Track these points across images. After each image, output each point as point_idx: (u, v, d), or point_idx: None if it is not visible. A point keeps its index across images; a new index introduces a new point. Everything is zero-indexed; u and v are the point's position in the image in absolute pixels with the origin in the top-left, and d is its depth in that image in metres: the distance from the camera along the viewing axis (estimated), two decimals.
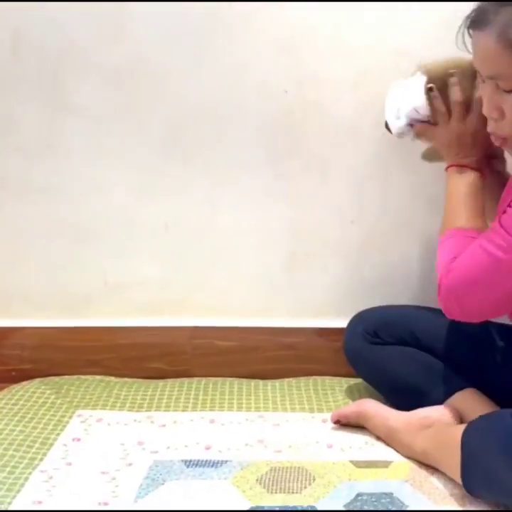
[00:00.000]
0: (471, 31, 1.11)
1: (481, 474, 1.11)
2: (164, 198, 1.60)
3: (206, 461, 1.28)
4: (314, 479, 1.22)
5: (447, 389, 1.36)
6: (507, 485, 1.05)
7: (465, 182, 1.28)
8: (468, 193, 1.27)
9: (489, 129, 1.16)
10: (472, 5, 1.11)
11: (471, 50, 1.13)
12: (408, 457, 1.29)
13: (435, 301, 1.51)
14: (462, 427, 1.19)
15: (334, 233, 1.64)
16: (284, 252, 1.65)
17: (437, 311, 1.48)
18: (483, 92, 1.14)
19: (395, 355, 1.44)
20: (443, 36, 1.46)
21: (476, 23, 1.09)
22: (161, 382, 1.61)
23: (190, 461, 1.28)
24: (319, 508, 1.13)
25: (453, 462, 1.16)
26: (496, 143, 1.19)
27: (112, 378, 1.64)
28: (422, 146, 1.46)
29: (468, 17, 1.12)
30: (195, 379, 1.63)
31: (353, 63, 1.52)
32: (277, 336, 1.68)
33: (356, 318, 1.52)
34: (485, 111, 1.14)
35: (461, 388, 1.36)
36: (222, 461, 1.28)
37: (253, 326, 1.67)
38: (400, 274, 1.65)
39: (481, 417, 1.18)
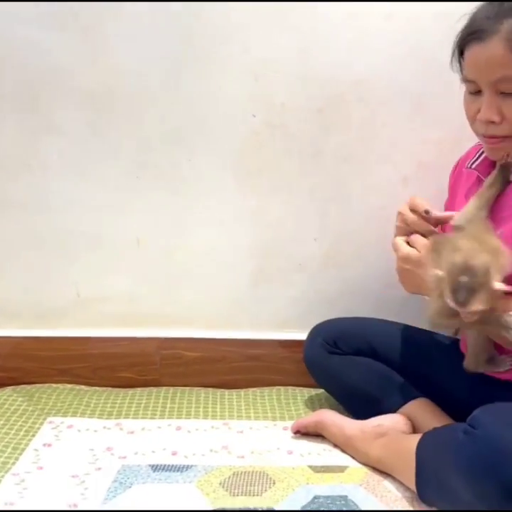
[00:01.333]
0: (468, 47, 1.19)
1: (435, 485, 1.18)
2: (136, 215, 1.67)
3: (172, 465, 1.34)
4: (274, 483, 1.29)
5: (401, 398, 1.44)
6: (458, 496, 1.11)
7: None
8: None
9: (488, 132, 1.22)
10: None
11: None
12: (364, 464, 1.37)
13: (391, 314, 1.62)
14: (416, 436, 1.26)
15: (298, 250, 1.72)
16: (250, 267, 1.73)
17: (393, 324, 1.58)
18: (477, 103, 1.21)
19: (351, 365, 1.51)
20: (402, 67, 1.59)
21: (477, 34, 1.16)
22: (130, 391, 1.67)
23: (157, 465, 1.34)
24: (278, 510, 1.20)
25: (407, 471, 1.24)
26: (494, 144, 1.24)
27: (83, 387, 1.69)
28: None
29: (464, 34, 1.20)
30: (163, 388, 1.70)
31: (317, 90, 1.60)
32: (242, 348, 1.75)
33: (316, 329, 1.60)
34: (485, 116, 1.19)
35: (414, 397, 1.44)
36: (187, 465, 1.34)
37: (219, 338, 1.74)
38: (358, 290, 1.73)
39: (434, 429, 1.25)
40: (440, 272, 1.09)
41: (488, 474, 1.03)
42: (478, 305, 1.05)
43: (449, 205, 1.46)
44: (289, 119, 1.62)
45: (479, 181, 1.32)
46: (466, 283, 1.05)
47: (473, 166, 1.35)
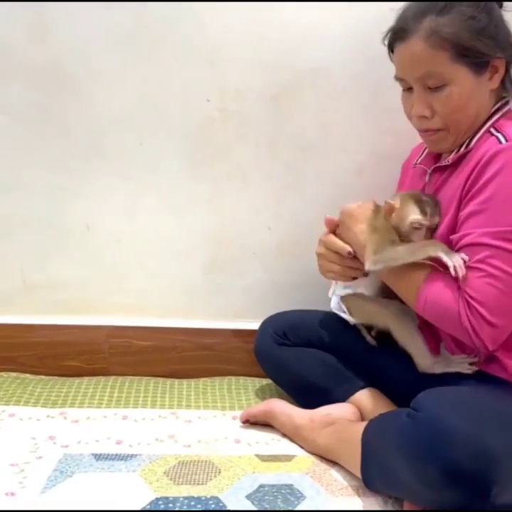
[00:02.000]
0: (394, 47, 1.25)
1: (379, 469, 1.18)
2: (86, 200, 1.63)
3: (116, 454, 1.31)
4: (220, 472, 1.27)
5: (349, 388, 1.44)
6: (401, 480, 1.11)
7: None
8: None
9: (422, 126, 1.27)
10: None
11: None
12: (312, 453, 1.36)
13: None
14: (362, 424, 1.26)
15: (252, 239, 1.71)
16: (204, 255, 1.71)
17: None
18: (411, 99, 1.25)
19: (300, 356, 1.50)
20: (357, 55, 1.58)
21: (398, 35, 1.23)
22: (77, 380, 1.63)
23: (100, 454, 1.31)
24: (222, 499, 1.18)
25: (353, 458, 1.23)
26: (429, 137, 1.29)
27: (28, 375, 1.65)
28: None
29: (389, 35, 1.26)
30: (112, 377, 1.66)
31: (272, 78, 1.59)
32: (195, 337, 1.73)
33: (267, 320, 1.59)
34: (417, 112, 1.25)
35: (362, 387, 1.43)
36: (131, 454, 1.32)
37: (171, 327, 1.71)
38: (312, 281, 1.71)
39: (380, 415, 1.26)
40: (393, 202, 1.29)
41: (430, 457, 1.03)
42: (439, 218, 1.27)
43: None
44: (244, 105, 1.60)
45: (424, 173, 1.36)
46: (430, 199, 1.28)
47: (419, 160, 1.40)
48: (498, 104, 1.25)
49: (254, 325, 1.63)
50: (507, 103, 1.26)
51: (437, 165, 1.33)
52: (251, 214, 1.69)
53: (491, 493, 1.01)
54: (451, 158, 1.28)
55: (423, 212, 1.27)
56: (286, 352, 1.52)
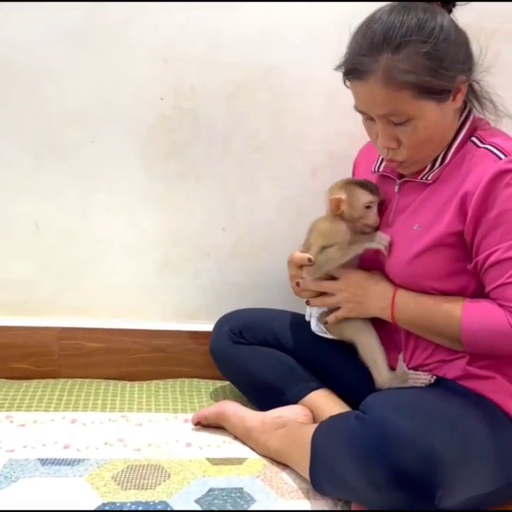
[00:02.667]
0: (350, 82, 1.19)
1: (327, 472, 1.17)
2: (35, 197, 1.59)
3: (63, 459, 1.28)
4: (169, 476, 1.25)
5: (302, 388, 1.43)
6: (348, 482, 1.11)
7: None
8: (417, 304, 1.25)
9: (389, 157, 1.24)
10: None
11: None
12: (263, 455, 1.35)
13: (299, 305, 1.60)
14: (313, 426, 1.25)
15: (206, 239, 1.69)
16: (157, 255, 1.68)
17: (299, 315, 1.56)
18: (374, 128, 1.21)
19: (256, 355, 1.49)
20: (312, 55, 1.58)
21: (355, 73, 1.17)
22: (25, 383, 1.59)
23: (47, 459, 1.28)
24: (171, 503, 1.16)
25: (303, 460, 1.22)
26: (393, 166, 1.28)
27: None
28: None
29: (344, 69, 1.19)
30: (61, 380, 1.62)
31: (227, 77, 1.58)
32: (148, 338, 1.70)
33: (223, 319, 1.58)
34: (382, 143, 1.21)
35: (316, 388, 1.43)
36: (79, 459, 1.29)
37: (124, 328, 1.69)
38: (267, 281, 1.71)
39: (330, 417, 1.25)
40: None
41: (377, 460, 1.03)
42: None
43: None
44: (198, 104, 1.59)
45: (390, 182, 1.33)
46: (365, 180, 1.35)
47: (381, 168, 1.37)
48: (465, 112, 1.24)
49: (209, 326, 1.61)
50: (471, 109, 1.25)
51: (410, 179, 1.28)
52: (205, 214, 1.67)
53: (435, 496, 1.01)
54: (431, 178, 1.24)
55: (371, 191, 1.32)
56: (242, 351, 1.51)
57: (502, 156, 1.14)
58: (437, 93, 1.14)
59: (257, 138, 1.62)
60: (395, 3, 1.17)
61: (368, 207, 1.32)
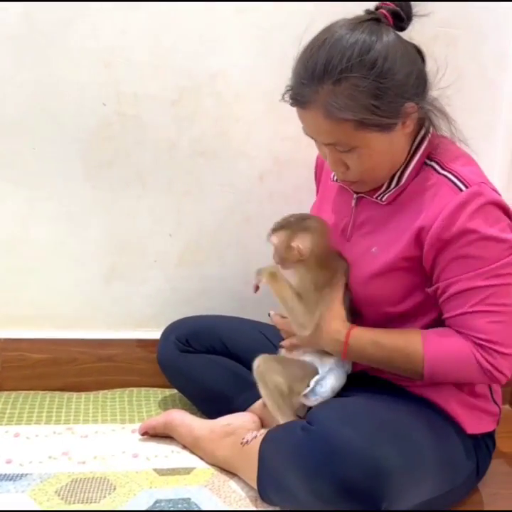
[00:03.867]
0: (295, 107, 1.17)
1: (274, 483, 1.17)
2: None
3: (5, 474, 1.25)
4: (115, 489, 1.23)
5: (250, 395, 1.41)
6: (294, 493, 1.11)
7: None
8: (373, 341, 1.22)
9: (340, 178, 1.23)
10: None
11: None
12: (212, 464, 1.34)
13: (248, 312, 1.60)
14: (261, 435, 1.24)
15: (153, 246, 1.67)
16: (103, 263, 1.65)
17: (246, 321, 1.56)
18: (325, 151, 1.19)
19: (203, 363, 1.48)
20: (257, 61, 1.58)
21: (297, 102, 1.14)
22: None
23: None
24: None
25: (250, 469, 1.22)
26: (346, 185, 1.27)
27: None
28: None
29: (288, 95, 1.16)
30: (4, 393, 1.58)
31: (171, 83, 1.56)
32: (95, 348, 1.67)
33: (170, 327, 1.56)
34: (332, 167, 1.20)
35: None
36: (21, 474, 1.26)
37: (69, 338, 1.65)
38: (216, 288, 1.70)
39: (276, 427, 1.24)
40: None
41: (322, 471, 1.02)
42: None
43: (315, 209, 1.44)
44: (141, 109, 1.56)
45: (348, 195, 1.31)
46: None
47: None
48: (422, 132, 1.20)
49: (157, 334, 1.59)
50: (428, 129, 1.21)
51: (366, 196, 1.26)
52: (151, 221, 1.65)
53: (381, 506, 1.02)
54: (386, 199, 1.22)
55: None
56: (189, 359, 1.49)
57: (462, 187, 1.11)
58: (381, 126, 1.11)
59: (203, 143, 1.61)
60: (342, 22, 1.12)
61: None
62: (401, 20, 1.14)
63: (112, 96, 1.54)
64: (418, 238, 1.15)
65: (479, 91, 1.66)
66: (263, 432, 1.26)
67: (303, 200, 1.55)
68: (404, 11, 1.14)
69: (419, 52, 1.16)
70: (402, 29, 1.15)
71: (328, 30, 1.11)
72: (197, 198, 1.65)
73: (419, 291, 1.20)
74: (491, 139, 1.68)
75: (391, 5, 1.13)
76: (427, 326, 1.21)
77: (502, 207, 1.13)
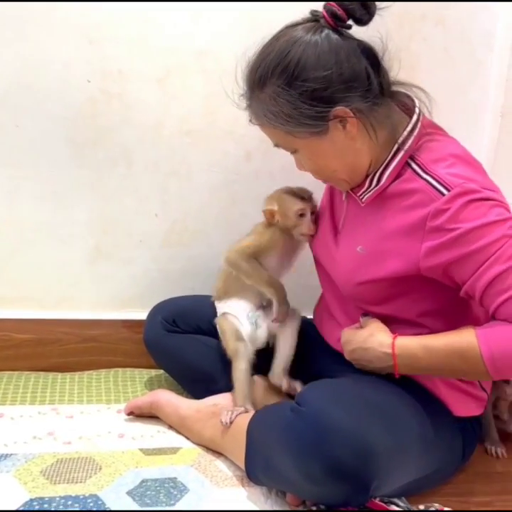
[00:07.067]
0: None
1: (262, 463, 1.17)
2: None
3: None
4: (100, 468, 1.23)
5: None
6: (283, 474, 1.11)
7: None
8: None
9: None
10: None
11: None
12: (198, 444, 1.34)
13: None
14: (248, 415, 1.24)
15: (139, 226, 1.65)
16: (88, 243, 1.64)
17: None
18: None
19: (190, 343, 1.48)
20: (245, 39, 1.55)
21: (245, 103, 1.19)
22: None
23: None
24: (102, 496, 1.14)
25: (237, 449, 1.22)
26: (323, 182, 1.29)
27: None
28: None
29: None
30: None
31: (157, 60, 1.54)
32: (80, 329, 1.66)
33: (156, 308, 1.55)
34: (297, 167, 1.23)
35: (251, 375, 1.40)
36: (6, 454, 1.25)
37: (54, 318, 1.64)
38: (201, 268, 1.69)
39: (265, 407, 1.24)
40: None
41: (313, 452, 1.02)
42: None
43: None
44: (127, 87, 1.55)
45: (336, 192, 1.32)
46: (301, 188, 1.38)
47: None
48: (404, 134, 1.14)
49: (143, 315, 1.58)
50: (411, 131, 1.14)
51: (351, 193, 1.25)
52: (137, 200, 1.63)
53: (370, 486, 1.02)
54: (365, 199, 1.20)
55: (302, 199, 1.35)
56: (176, 339, 1.49)
57: (443, 190, 1.07)
58: (309, 131, 1.11)
59: (189, 122, 1.59)
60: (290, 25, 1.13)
61: (301, 215, 1.34)
62: (341, 20, 1.09)
63: (96, 73, 1.52)
64: (408, 250, 1.12)
65: (467, 71, 1.66)
66: (240, 409, 1.27)
67: (290, 179, 1.52)
68: (347, 11, 1.09)
69: (365, 52, 1.10)
70: (349, 28, 1.11)
71: (269, 40, 1.14)
72: (183, 178, 1.64)
73: (401, 293, 1.18)
74: (478, 119, 1.68)
75: (333, 5, 1.09)
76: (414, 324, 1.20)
77: (491, 199, 1.07)
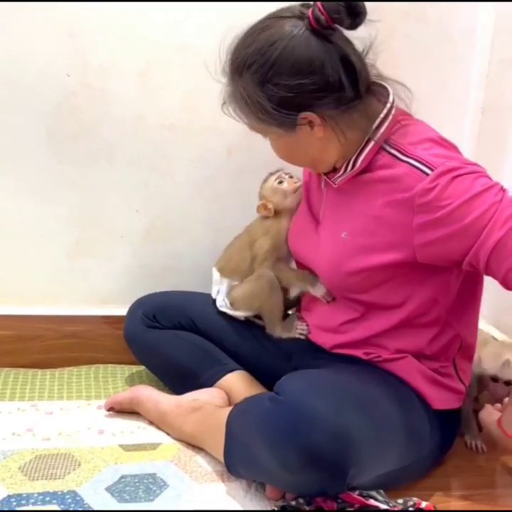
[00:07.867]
0: None
1: (241, 454, 1.16)
2: None
3: None
4: (79, 465, 1.22)
5: (218, 371, 1.42)
6: (261, 464, 1.10)
7: None
8: None
9: None
10: None
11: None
12: (178, 440, 1.33)
13: None
14: (228, 409, 1.24)
15: (119, 222, 1.64)
16: (68, 239, 1.63)
17: (212, 298, 1.54)
18: None
19: (170, 339, 1.47)
20: (227, 33, 1.54)
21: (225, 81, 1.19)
22: None
23: None
24: (80, 493, 1.13)
25: (217, 443, 1.21)
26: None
27: None
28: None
29: None
30: None
31: (138, 54, 1.53)
32: (60, 325, 1.64)
33: (136, 303, 1.54)
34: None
35: (230, 370, 1.42)
36: None
37: (33, 315, 1.62)
38: (181, 264, 1.69)
39: (244, 399, 1.24)
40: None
41: (290, 441, 1.02)
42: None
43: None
44: (108, 81, 1.54)
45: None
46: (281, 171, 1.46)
47: None
48: (377, 122, 1.15)
49: (123, 311, 1.57)
50: (384, 120, 1.15)
51: (326, 179, 1.26)
52: (118, 196, 1.62)
53: (347, 474, 1.02)
54: (338, 182, 1.21)
55: (272, 174, 1.46)
56: (156, 335, 1.48)
57: (427, 170, 1.08)
58: (278, 127, 1.15)
59: (171, 117, 1.59)
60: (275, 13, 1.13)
61: (280, 182, 1.42)
62: (322, 25, 1.08)
63: (77, 67, 1.51)
64: (398, 231, 1.13)
65: (448, 67, 1.66)
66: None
67: None
68: (334, 20, 1.07)
69: (344, 59, 1.10)
70: (334, 30, 1.09)
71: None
72: (165, 173, 1.63)
73: (387, 279, 1.20)
74: (459, 115, 1.69)
75: (322, 12, 1.07)
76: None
77: (473, 172, 1.09)
